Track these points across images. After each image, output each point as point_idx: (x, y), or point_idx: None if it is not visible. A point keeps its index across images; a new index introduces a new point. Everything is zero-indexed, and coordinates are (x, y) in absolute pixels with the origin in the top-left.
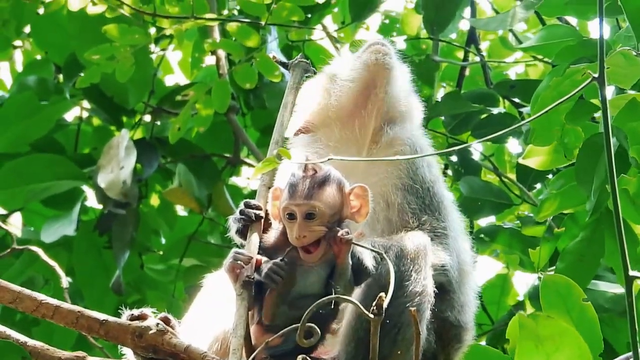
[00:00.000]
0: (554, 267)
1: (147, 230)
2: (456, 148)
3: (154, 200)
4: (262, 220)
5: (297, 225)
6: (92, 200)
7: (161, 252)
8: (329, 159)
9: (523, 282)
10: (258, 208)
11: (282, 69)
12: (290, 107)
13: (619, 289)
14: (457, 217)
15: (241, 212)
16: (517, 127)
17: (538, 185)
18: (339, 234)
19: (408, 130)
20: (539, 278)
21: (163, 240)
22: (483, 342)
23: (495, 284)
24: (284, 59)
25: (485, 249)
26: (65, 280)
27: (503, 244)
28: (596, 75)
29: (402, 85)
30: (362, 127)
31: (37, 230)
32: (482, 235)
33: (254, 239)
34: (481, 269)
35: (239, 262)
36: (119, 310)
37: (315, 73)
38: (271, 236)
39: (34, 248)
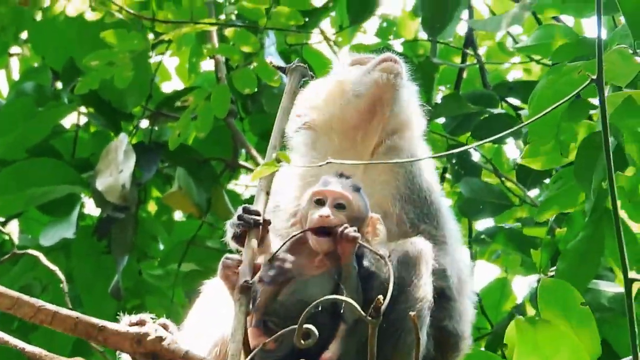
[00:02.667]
0: (555, 268)
1: (145, 236)
2: (456, 150)
3: (152, 207)
4: (261, 227)
5: (326, 206)
6: (89, 207)
7: (159, 259)
8: (327, 163)
9: (524, 284)
10: (257, 214)
11: (280, 74)
12: (288, 112)
13: (621, 289)
14: (454, 225)
15: (239, 218)
16: (517, 129)
17: (538, 188)
18: (347, 230)
19: (407, 140)
20: (538, 280)
21: (161, 246)
22: (482, 347)
23: (495, 287)
24: (281, 63)
25: (486, 249)
26: (65, 284)
27: (504, 245)
28: (594, 76)
29: (409, 103)
30: (364, 140)
31: (34, 237)
32: (482, 236)
33: (252, 244)
34: (480, 274)
35: (230, 267)
36: (117, 316)
37: (313, 77)
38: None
39: (35, 252)
